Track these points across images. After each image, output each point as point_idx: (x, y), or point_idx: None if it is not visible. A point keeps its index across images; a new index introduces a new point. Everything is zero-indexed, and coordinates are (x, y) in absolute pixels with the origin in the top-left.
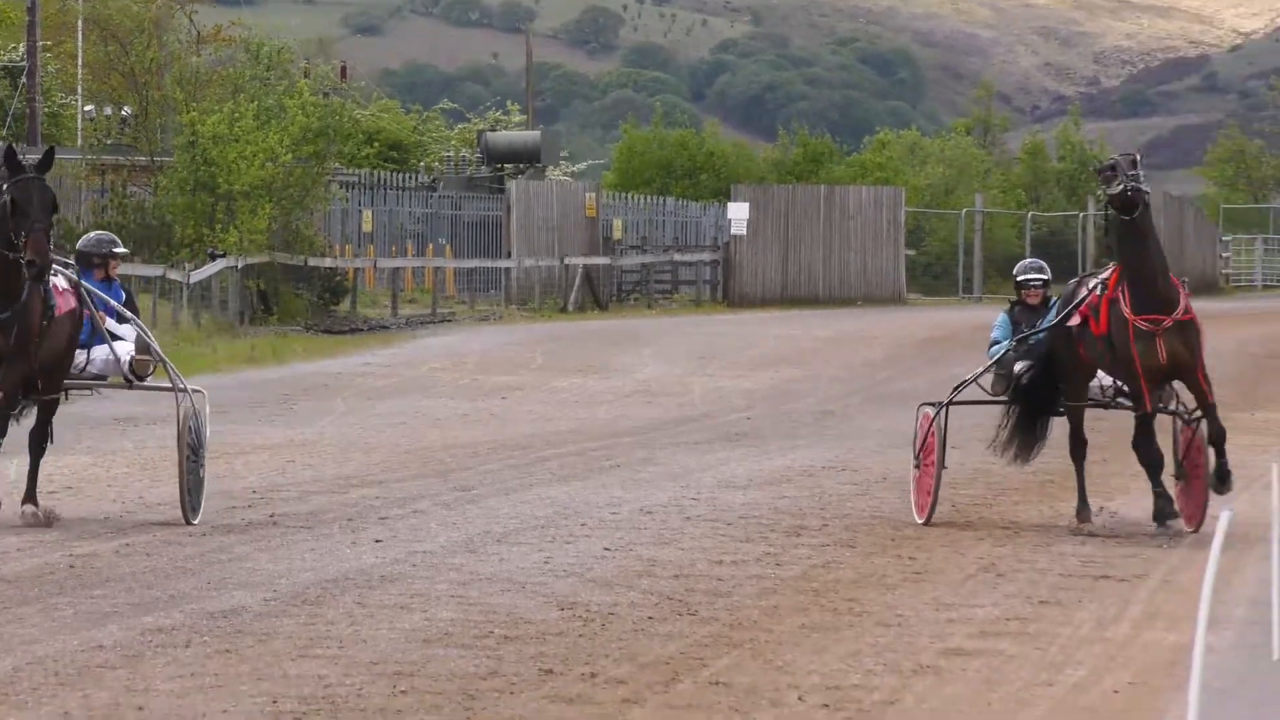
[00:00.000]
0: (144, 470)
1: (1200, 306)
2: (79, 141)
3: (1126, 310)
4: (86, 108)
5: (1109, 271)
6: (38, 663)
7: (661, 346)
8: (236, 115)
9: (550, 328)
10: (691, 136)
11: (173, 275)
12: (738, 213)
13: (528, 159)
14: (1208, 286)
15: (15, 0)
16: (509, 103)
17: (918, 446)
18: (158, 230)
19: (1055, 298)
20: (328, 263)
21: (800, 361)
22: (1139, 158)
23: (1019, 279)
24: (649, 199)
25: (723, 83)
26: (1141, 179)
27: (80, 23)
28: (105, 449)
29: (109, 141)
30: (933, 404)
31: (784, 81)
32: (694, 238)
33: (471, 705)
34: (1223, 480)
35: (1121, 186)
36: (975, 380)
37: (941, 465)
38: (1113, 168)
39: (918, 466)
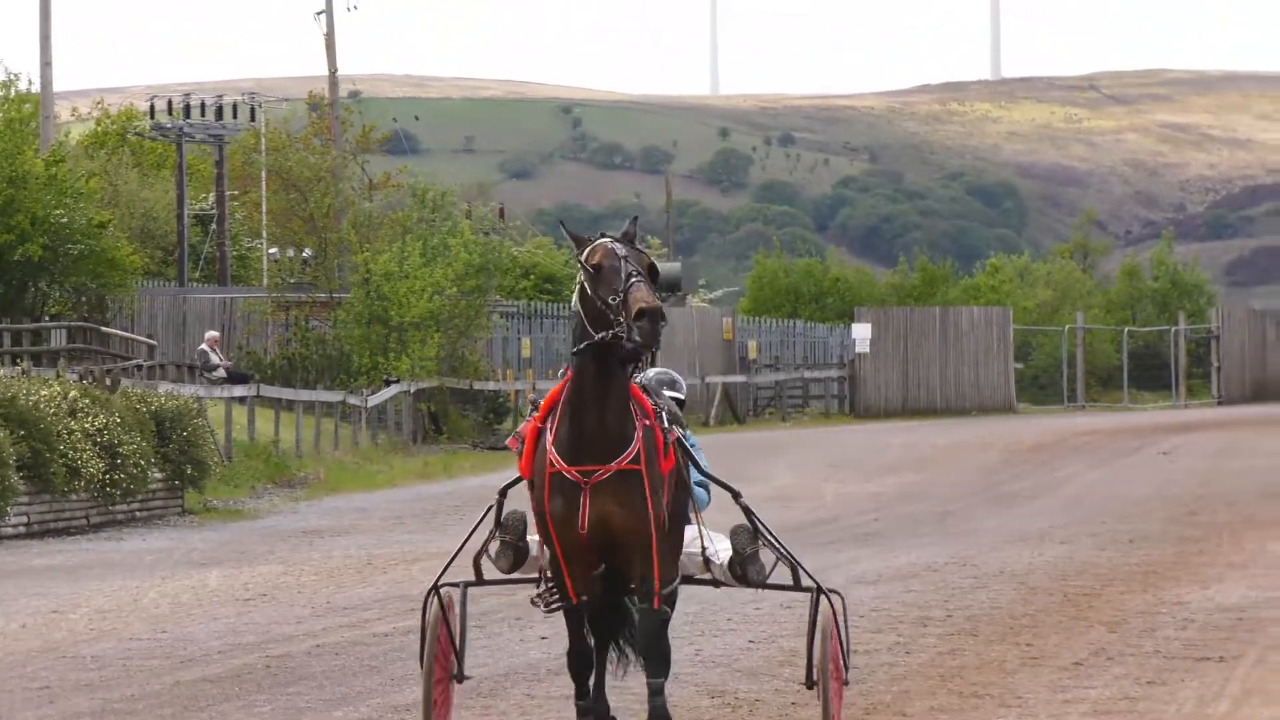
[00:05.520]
0: (330, 578)
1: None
2: (264, 281)
3: (550, 446)
4: (270, 250)
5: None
6: None
7: (795, 456)
8: (405, 254)
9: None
10: (817, 265)
11: (352, 400)
12: (861, 332)
13: (670, 288)
14: None
15: (205, 156)
16: (650, 237)
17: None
18: (337, 360)
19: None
20: (491, 386)
21: (922, 467)
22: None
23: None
24: (780, 322)
25: (843, 215)
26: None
27: (264, 174)
28: (295, 559)
29: (292, 280)
30: (455, 584)
31: (899, 213)
32: (822, 356)
33: None
34: None
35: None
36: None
37: (460, 674)
38: (615, 265)
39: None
